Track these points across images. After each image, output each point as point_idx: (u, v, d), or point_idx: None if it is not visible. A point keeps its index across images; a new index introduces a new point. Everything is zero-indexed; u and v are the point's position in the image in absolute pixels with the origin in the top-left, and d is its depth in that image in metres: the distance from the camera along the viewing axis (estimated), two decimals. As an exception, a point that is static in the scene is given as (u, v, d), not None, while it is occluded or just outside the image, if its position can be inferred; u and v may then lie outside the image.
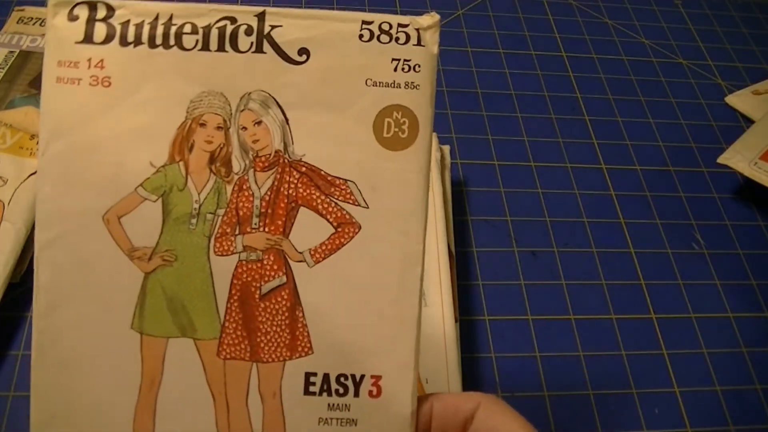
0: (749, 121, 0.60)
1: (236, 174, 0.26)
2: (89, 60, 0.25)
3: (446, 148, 0.51)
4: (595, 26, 0.67)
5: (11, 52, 0.52)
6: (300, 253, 0.26)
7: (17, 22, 0.55)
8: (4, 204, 0.43)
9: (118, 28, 0.25)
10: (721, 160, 0.53)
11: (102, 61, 0.25)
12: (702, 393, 0.44)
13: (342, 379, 0.26)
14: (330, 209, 0.26)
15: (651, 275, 0.49)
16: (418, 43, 0.26)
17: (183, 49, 0.26)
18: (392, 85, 0.26)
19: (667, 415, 0.43)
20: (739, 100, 0.62)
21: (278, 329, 0.26)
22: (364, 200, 0.26)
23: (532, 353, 0.44)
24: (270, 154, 0.26)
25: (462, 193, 0.52)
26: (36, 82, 0.50)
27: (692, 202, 0.54)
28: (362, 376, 0.26)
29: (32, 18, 0.56)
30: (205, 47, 0.26)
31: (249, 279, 0.26)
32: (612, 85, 0.62)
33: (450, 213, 0.47)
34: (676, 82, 0.63)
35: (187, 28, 0.26)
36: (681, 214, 0.53)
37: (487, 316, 0.45)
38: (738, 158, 0.53)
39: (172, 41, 0.26)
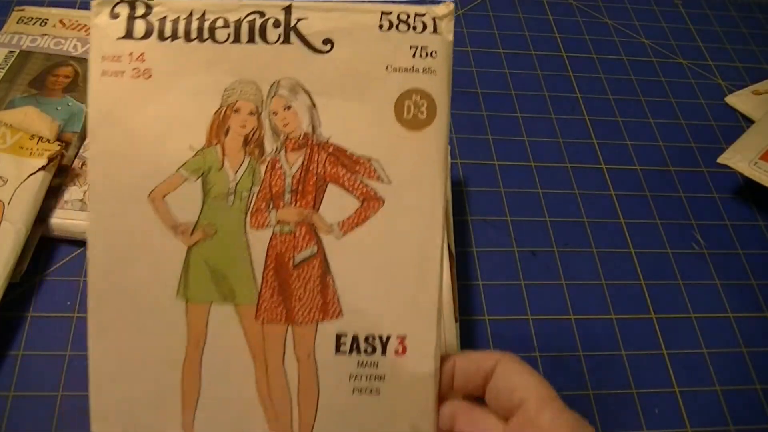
0: (749, 121, 0.60)
1: (269, 155, 0.29)
2: (131, 54, 0.28)
3: (446, 148, 0.51)
4: (595, 26, 0.67)
5: (11, 52, 0.52)
6: (329, 225, 0.29)
7: (17, 22, 0.55)
8: (4, 204, 0.43)
9: (156, 24, 0.28)
10: (721, 160, 0.53)
11: (142, 54, 0.28)
12: (702, 393, 0.44)
13: (370, 339, 0.29)
14: (355, 185, 0.29)
15: (651, 275, 0.49)
16: (434, 31, 0.28)
17: (216, 42, 0.28)
18: (411, 70, 0.28)
19: (667, 415, 0.43)
20: (739, 100, 0.62)
21: (311, 294, 0.29)
22: (387, 177, 0.29)
23: (532, 353, 0.44)
24: (299, 137, 0.29)
25: (462, 193, 0.52)
26: (36, 82, 0.50)
27: (692, 202, 0.54)
28: (388, 336, 0.29)
29: (32, 18, 0.56)
30: (237, 40, 0.28)
31: (283, 249, 0.29)
32: (612, 85, 0.62)
33: (450, 213, 0.47)
34: (676, 82, 0.63)
35: (220, 23, 0.28)
36: (681, 214, 0.53)
37: (487, 316, 0.45)
38: (738, 158, 0.53)
39: (206, 35, 0.28)
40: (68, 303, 0.43)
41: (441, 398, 0.29)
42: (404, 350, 0.29)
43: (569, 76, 0.62)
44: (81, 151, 0.48)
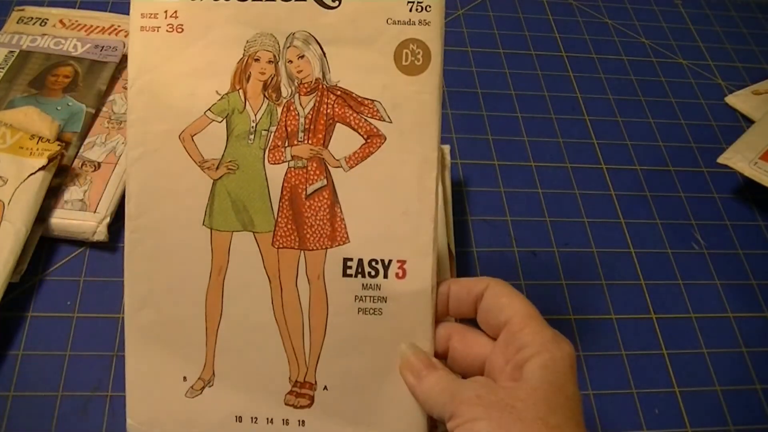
0: (749, 121, 0.60)
1: (284, 98, 0.32)
2: (166, 11, 0.32)
3: (446, 148, 0.51)
4: (595, 26, 0.67)
5: (11, 52, 0.52)
6: (337, 160, 0.32)
7: (17, 22, 0.55)
8: (4, 204, 0.43)
9: None
10: (721, 160, 0.53)
11: (176, 12, 0.32)
12: (702, 393, 0.44)
13: (373, 263, 0.32)
14: (360, 124, 0.32)
15: (651, 275, 0.49)
16: None
17: None
18: (408, 22, 0.32)
19: (667, 415, 0.43)
20: (739, 100, 0.62)
21: (321, 223, 0.32)
22: (388, 116, 0.32)
23: (532, 353, 0.44)
24: (311, 82, 0.32)
25: (462, 193, 0.52)
26: (36, 82, 0.50)
27: (692, 202, 0.54)
28: (390, 261, 0.32)
29: (32, 18, 0.56)
30: None
31: (296, 182, 0.32)
32: (612, 85, 0.62)
33: (450, 213, 0.47)
34: (676, 82, 0.63)
35: None
36: (681, 214, 0.53)
37: (487, 316, 0.45)
38: (738, 158, 0.53)
39: None
40: (68, 303, 0.43)
41: (437, 320, 0.32)
42: (404, 274, 0.32)
43: (569, 76, 0.62)
44: (81, 150, 0.48)
